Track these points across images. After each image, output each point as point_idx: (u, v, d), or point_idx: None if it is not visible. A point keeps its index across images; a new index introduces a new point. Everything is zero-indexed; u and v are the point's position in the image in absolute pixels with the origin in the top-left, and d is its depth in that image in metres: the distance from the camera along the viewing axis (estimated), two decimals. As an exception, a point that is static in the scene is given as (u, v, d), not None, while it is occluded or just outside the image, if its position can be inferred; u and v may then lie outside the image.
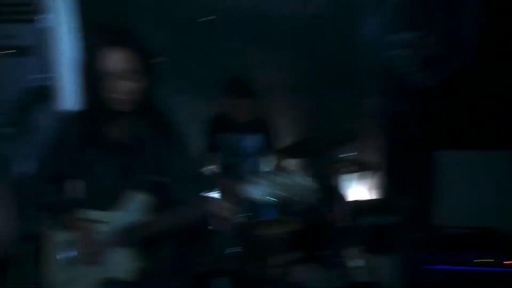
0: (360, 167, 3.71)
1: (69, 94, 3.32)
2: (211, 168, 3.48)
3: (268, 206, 2.73)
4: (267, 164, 3.62)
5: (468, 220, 3.28)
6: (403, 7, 4.19)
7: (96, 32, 1.66)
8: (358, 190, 4.45)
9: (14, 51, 3.74)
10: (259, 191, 1.48)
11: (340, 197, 3.57)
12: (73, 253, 1.76)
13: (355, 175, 4.24)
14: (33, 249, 1.95)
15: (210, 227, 3.14)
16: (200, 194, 1.73)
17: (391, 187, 4.48)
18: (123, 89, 1.62)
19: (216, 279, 2.61)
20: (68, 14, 4.09)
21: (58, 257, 1.80)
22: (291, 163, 3.79)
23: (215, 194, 1.64)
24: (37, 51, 3.78)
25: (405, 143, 4.32)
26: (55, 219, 1.79)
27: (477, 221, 3.25)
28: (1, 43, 3.78)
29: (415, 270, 2.85)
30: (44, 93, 1.42)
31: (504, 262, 2.70)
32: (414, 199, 4.10)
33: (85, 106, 1.68)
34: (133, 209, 1.72)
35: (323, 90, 4.47)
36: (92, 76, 1.60)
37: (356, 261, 3.62)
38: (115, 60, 1.60)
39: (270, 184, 1.47)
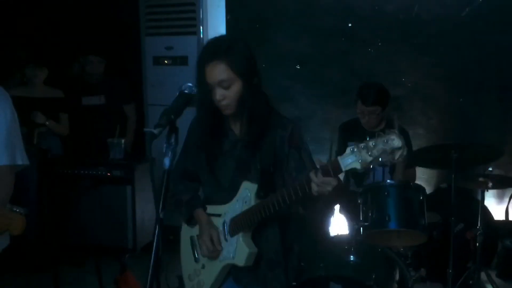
0: (501, 184, 3.41)
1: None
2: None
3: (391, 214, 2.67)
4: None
5: None
6: None
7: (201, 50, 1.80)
8: (504, 208, 4.09)
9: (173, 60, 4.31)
10: (351, 159, 1.45)
11: (481, 215, 3.33)
12: (198, 248, 1.95)
13: (497, 192, 3.95)
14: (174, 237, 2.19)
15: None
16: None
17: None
18: (223, 96, 1.74)
19: (331, 284, 2.63)
20: (220, 27, 4.53)
21: (186, 248, 2.05)
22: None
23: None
24: (193, 60, 4.31)
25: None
26: (183, 215, 2.01)
27: None
28: (164, 54, 4.39)
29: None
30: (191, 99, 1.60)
31: None
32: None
33: (203, 110, 1.84)
34: (242, 198, 1.82)
35: (471, 98, 4.22)
36: (201, 88, 1.75)
37: (487, 285, 3.37)
38: (211, 73, 1.72)
39: (365, 151, 1.42)
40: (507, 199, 4.07)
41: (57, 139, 4.04)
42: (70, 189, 3.22)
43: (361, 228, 2.78)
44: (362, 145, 1.43)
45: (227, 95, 1.75)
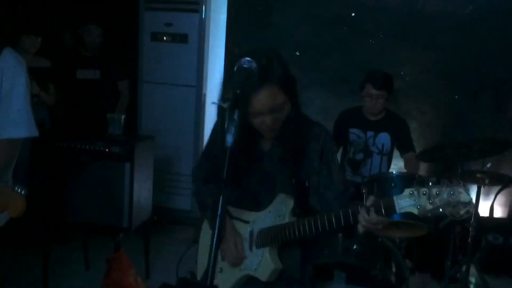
0: (496, 181, 3.49)
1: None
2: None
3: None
4: (396, 165, 3.58)
5: None
6: None
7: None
8: (490, 205, 4.20)
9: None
10: (409, 203, 1.36)
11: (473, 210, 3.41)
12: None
13: (489, 188, 4.04)
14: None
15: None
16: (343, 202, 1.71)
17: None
18: (269, 122, 1.64)
19: (334, 272, 2.65)
20: (222, 7, 4.45)
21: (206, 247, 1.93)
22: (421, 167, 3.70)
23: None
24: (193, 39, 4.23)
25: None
26: (208, 218, 1.90)
27: None
28: (163, 30, 4.28)
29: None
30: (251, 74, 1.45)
31: None
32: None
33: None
34: (276, 211, 1.73)
35: (467, 96, 4.28)
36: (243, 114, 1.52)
37: (475, 278, 3.46)
38: (263, 99, 1.58)
39: (425, 197, 1.33)
40: (491, 196, 4.17)
41: (45, 111, 3.90)
42: (65, 163, 3.10)
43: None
44: (423, 190, 1.35)
45: (279, 118, 1.64)
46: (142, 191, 3.27)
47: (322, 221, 1.56)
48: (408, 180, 2.90)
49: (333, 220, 1.53)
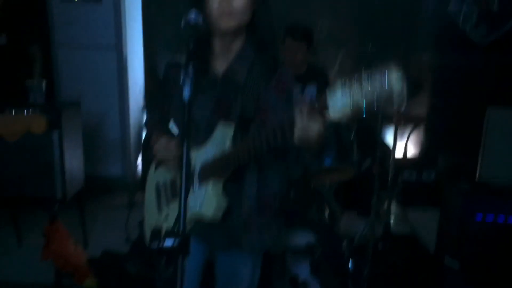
0: (409, 121, 3.81)
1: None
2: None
3: (329, 154, 2.83)
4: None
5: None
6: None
7: None
8: (403, 144, 4.56)
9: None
10: (342, 99, 1.17)
11: (387, 150, 3.71)
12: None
13: (403, 128, 4.38)
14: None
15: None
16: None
17: (437, 143, 4.60)
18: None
19: None
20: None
21: (150, 198, 1.84)
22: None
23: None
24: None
25: (454, 99, 4.42)
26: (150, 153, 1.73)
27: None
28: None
29: (457, 223, 2.98)
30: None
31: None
32: (458, 154, 4.23)
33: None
34: (216, 141, 1.59)
35: (378, 43, 4.51)
36: None
37: (396, 213, 3.82)
38: None
39: (354, 90, 1.14)
40: (405, 136, 4.55)
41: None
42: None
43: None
44: (356, 85, 1.15)
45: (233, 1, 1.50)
46: (73, 159, 3.17)
47: (260, 138, 1.41)
48: (336, 127, 3.11)
49: (270, 134, 1.37)
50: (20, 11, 3.91)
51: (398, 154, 4.44)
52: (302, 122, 1.27)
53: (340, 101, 1.18)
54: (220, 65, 1.65)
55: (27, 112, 1.72)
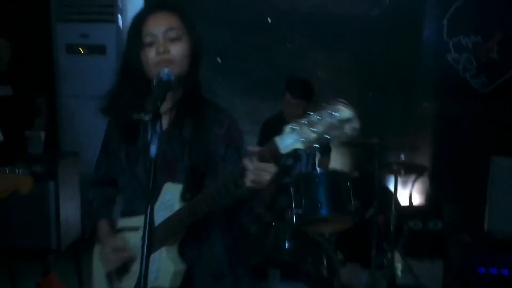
0: (411, 171, 3.76)
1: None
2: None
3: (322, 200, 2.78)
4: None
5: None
6: (464, 12, 4.25)
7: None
8: (408, 193, 4.50)
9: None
10: (292, 139, 1.19)
11: (391, 199, 3.64)
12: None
13: (406, 178, 4.33)
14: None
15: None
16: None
17: (442, 192, 4.52)
18: (167, 48, 1.47)
19: (269, 269, 2.72)
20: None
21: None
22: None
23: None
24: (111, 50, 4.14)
25: (458, 148, 4.38)
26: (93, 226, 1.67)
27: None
28: (78, 42, 4.15)
29: (462, 274, 2.89)
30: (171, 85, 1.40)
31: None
32: (464, 204, 4.15)
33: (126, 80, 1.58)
34: (164, 202, 1.47)
35: (379, 93, 4.55)
36: (132, 45, 1.51)
37: (401, 264, 3.71)
38: (157, 21, 1.48)
39: (307, 127, 1.17)
40: (409, 185, 4.49)
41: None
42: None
43: (295, 216, 2.88)
44: (303, 121, 1.18)
45: (172, 49, 1.47)
46: (69, 210, 3.18)
47: (210, 191, 1.36)
48: (332, 176, 3.07)
49: (222, 186, 1.33)
50: (27, 63, 4.05)
51: (403, 203, 4.38)
52: (253, 170, 1.26)
53: (290, 138, 1.21)
54: (164, 118, 1.53)
55: (18, 172, 1.75)
